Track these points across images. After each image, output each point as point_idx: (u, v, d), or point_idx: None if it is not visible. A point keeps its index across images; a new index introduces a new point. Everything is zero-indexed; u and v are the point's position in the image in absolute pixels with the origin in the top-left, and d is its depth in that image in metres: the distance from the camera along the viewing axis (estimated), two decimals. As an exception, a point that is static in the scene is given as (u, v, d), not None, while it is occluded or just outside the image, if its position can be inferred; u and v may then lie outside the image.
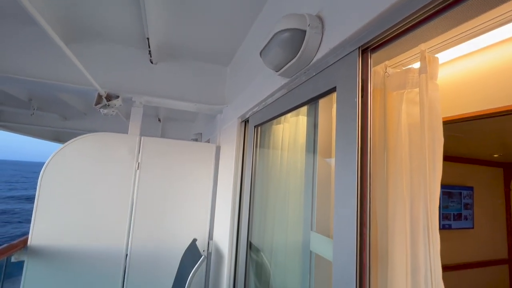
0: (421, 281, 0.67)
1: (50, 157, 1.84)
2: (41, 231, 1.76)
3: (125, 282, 1.88)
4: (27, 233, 1.76)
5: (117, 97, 1.97)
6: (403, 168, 0.75)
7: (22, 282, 1.68)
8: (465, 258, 3.03)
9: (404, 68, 0.87)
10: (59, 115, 3.55)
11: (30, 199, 18.61)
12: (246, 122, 1.76)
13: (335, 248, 0.75)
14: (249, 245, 1.55)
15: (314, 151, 1.09)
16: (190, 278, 1.50)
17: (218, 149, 2.25)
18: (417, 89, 0.82)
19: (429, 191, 0.69)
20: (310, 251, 0.96)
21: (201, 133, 3.63)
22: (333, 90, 0.87)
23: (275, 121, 1.50)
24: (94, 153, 1.92)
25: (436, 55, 0.82)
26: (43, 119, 3.61)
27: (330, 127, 1.12)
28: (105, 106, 1.94)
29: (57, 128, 3.71)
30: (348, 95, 0.78)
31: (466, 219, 3.16)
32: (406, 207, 0.73)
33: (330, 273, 0.80)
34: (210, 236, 2.15)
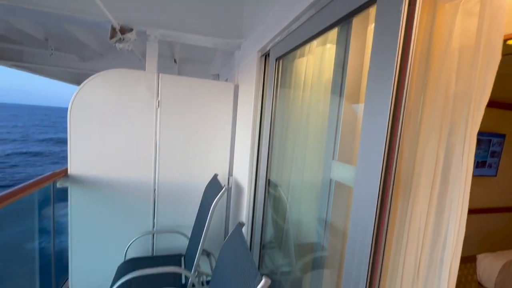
0: (446, 205, 0.66)
1: (73, 95, 1.88)
2: (77, 162, 1.92)
3: (155, 213, 2.11)
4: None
5: (131, 30, 1.87)
6: (447, 93, 0.68)
7: (69, 204, 1.94)
8: (483, 204, 3.05)
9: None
10: (77, 55, 3.53)
11: (60, 142, 20.14)
12: (266, 56, 1.65)
13: (358, 173, 0.74)
14: (268, 182, 1.61)
15: (342, 81, 1.01)
16: (213, 207, 1.63)
17: (236, 88, 2.19)
18: (477, -3, 0.68)
19: (472, 116, 0.63)
20: (330, 179, 0.98)
21: (218, 74, 3.52)
22: (372, 1, 0.74)
23: (298, 52, 1.38)
24: (114, 89, 1.94)
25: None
26: (62, 60, 3.63)
27: (363, 55, 1.01)
28: (120, 40, 1.87)
29: (76, 69, 3.73)
30: (392, 5, 0.67)
31: (490, 167, 3.07)
32: (442, 132, 0.68)
33: (350, 198, 0.82)
34: (230, 173, 2.27)
